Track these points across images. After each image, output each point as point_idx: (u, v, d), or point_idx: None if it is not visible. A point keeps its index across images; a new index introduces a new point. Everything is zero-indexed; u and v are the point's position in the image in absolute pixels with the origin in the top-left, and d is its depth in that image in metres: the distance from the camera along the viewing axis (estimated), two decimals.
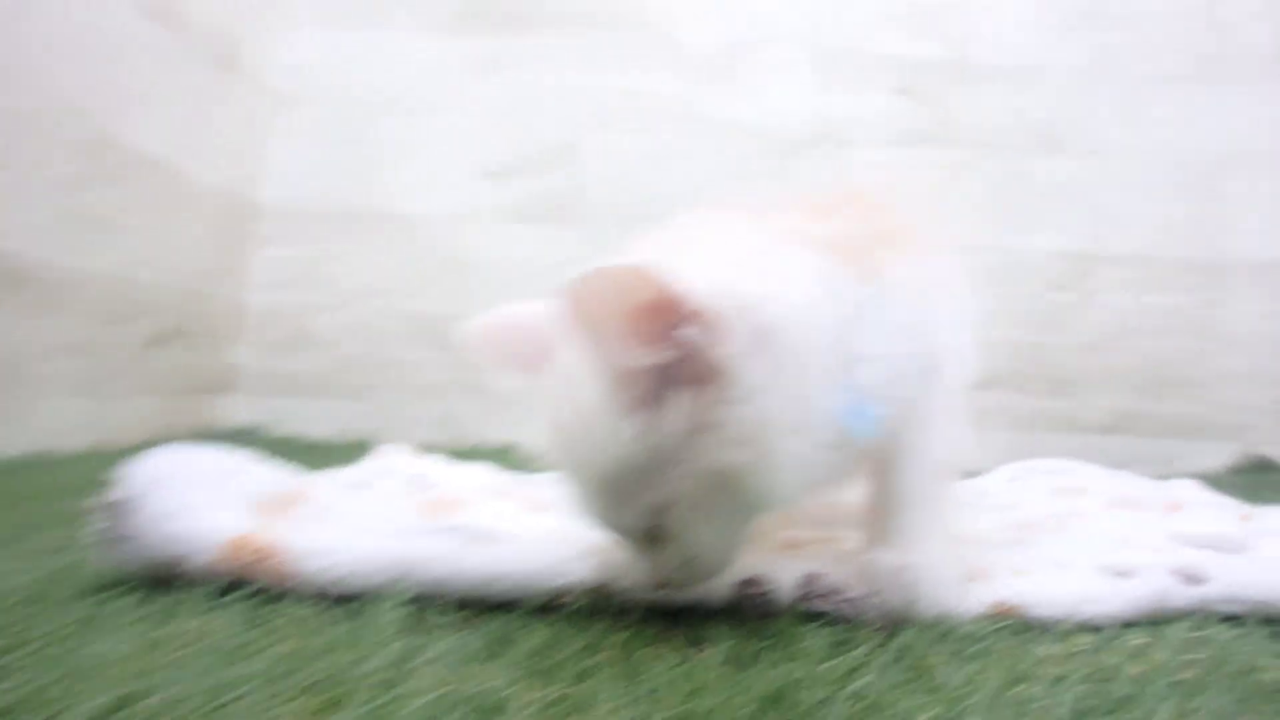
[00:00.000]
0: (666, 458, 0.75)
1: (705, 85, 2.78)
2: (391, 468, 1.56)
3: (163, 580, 0.89)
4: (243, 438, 2.40)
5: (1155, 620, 0.93)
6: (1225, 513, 1.48)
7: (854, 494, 1.03)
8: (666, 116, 2.77)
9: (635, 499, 0.78)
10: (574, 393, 0.76)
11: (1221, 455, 2.73)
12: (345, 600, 0.87)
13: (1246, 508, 1.51)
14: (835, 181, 1.29)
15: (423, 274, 2.72)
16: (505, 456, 2.23)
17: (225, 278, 2.53)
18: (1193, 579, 0.97)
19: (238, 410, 2.64)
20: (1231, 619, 0.94)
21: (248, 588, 0.87)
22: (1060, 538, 1.27)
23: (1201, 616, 0.93)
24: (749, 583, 0.90)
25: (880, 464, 0.96)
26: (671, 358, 0.73)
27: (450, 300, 2.68)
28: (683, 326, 0.72)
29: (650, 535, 0.80)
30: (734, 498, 0.79)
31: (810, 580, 0.92)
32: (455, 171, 2.75)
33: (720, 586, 0.88)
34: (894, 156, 2.77)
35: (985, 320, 1.13)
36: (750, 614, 0.88)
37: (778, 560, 0.95)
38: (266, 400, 2.67)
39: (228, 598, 0.86)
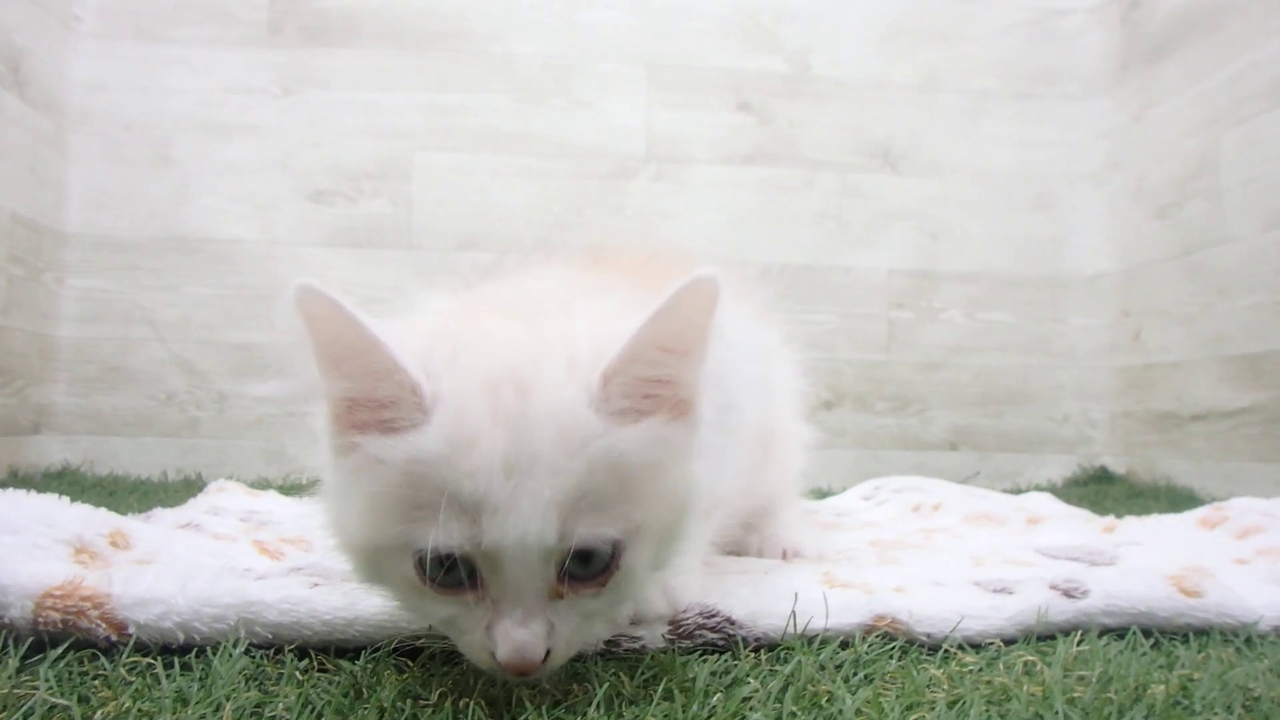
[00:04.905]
0: (640, 470, 0.69)
1: (537, 103, 2.70)
2: (222, 505, 1.45)
3: None
4: (59, 480, 2.23)
5: (1038, 635, 0.92)
6: (1087, 525, 1.50)
7: None
8: (497, 135, 2.68)
9: (600, 510, 0.67)
10: (549, 390, 0.68)
11: (1061, 468, 2.81)
12: (178, 651, 0.78)
13: (1108, 519, 1.53)
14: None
15: (244, 303, 2.56)
16: None
17: (26, 310, 2.34)
18: (1071, 593, 0.95)
19: (50, 451, 2.45)
20: (1110, 631, 0.93)
21: (57, 646, 0.77)
22: (928, 555, 1.27)
23: (1083, 631, 0.92)
24: None
25: None
26: (660, 376, 0.70)
27: (274, 330, 2.52)
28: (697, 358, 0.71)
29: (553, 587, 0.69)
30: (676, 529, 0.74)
31: None
32: (273, 194, 2.60)
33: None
34: (732, 174, 2.76)
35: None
36: None
37: None
38: (81, 440, 2.49)
39: (40, 656, 0.75)
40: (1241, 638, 0.92)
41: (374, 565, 0.71)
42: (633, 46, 2.74)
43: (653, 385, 0.69)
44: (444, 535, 0.65)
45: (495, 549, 0.65)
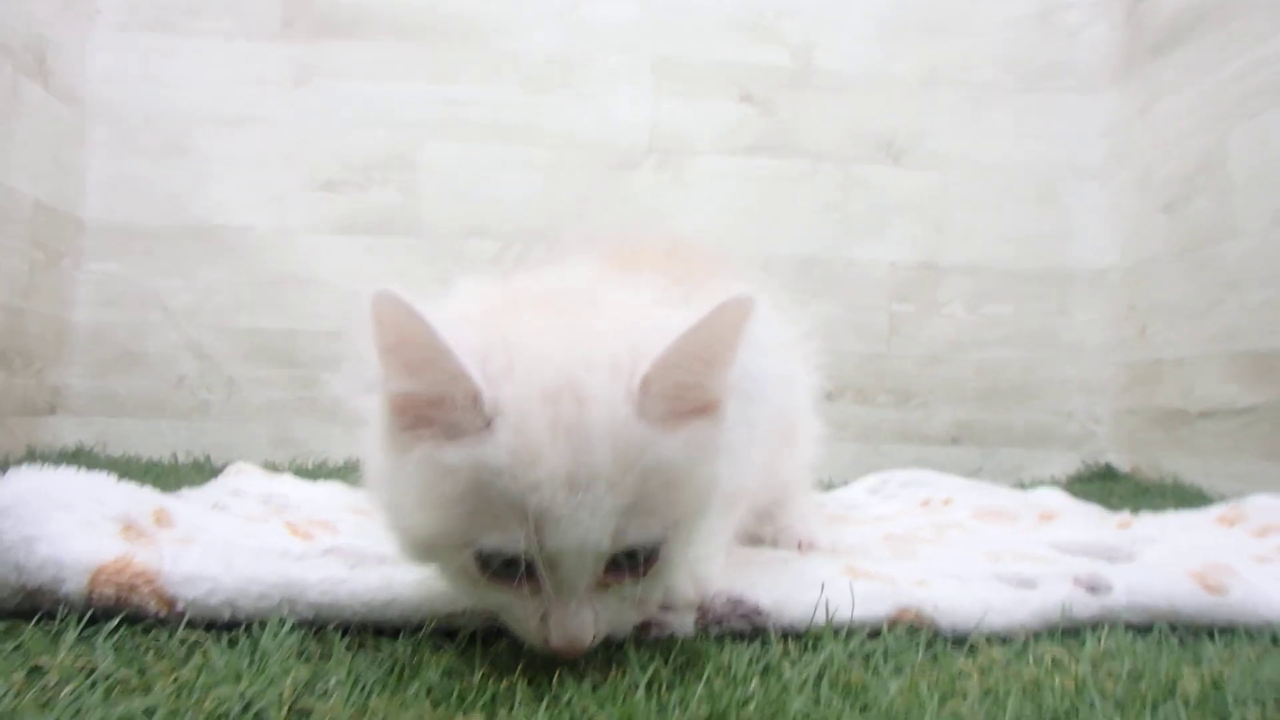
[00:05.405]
0: (680, 472, 0.72)
1: (542, 95, 2.71)
2: (242, 488, 1.46)
3: (24, 611, 0.80)
4: (74, 460, 2.23)
5: (1062, 630, 0.92)
6: (1102, 522, 1.50)
7: None
8: (503, 127, 2.69)
9: (648, 513, 0.71)
10: (604, 401, 0.70)
11: (1065, 464, 2.80)
12: (224, 627, 0.80)
13: (1124, 515, 1.52)
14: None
15: (254, 290, 2.58)
16: (353, 476, 2.13)
17: (45, 294, 2.35)
18: (1095, 588, 0.96)
19: (65, 432, 2.46)
20: (1133, 627, 0.94)
21: (110, 620, 0.79)
22: (942, 549, 1.27)
23: (1108, 626, 0.93)
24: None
25: None
26: (693, 382, 0.73)
27: (284, 317, 2.57)
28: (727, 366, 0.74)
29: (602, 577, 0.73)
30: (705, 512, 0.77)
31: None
32: (284, 183, 2.61)
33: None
34: (735, 166, 2.76)
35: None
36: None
37: None
38: (95, 421, 2.50)
39: (95, 628, 0.77)
40: (1267, 635, 0.92)
41: (428, 553, 0.75)
42: (637, 40, 2.75)
43: (686, 389, 0.73)
44: (507, 540, 0.69)
45: (555, 553, 0.69)
